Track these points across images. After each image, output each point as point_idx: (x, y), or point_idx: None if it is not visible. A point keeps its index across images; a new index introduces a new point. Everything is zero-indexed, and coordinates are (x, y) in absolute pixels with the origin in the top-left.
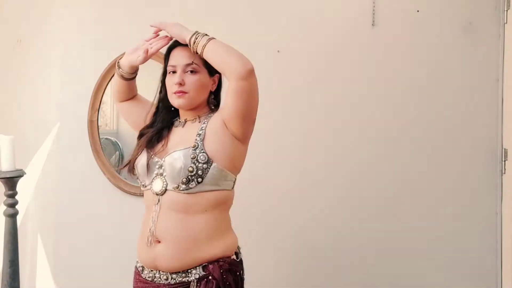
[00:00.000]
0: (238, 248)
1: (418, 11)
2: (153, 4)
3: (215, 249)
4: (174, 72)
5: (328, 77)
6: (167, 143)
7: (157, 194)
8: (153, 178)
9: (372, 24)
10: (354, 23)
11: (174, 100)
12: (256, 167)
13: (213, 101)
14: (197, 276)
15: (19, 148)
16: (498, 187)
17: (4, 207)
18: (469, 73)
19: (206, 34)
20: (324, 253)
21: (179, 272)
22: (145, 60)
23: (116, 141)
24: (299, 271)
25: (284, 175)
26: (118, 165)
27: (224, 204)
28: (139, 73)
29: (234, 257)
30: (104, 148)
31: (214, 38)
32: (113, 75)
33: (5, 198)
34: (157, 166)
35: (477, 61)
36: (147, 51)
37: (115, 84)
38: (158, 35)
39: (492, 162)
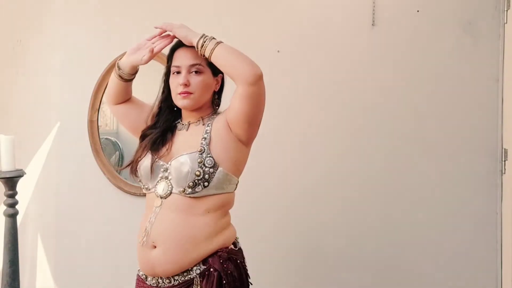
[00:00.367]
0: (236, 238)
1: (418, 11)
2: (153, 4)
3: (214, 245)
4: (178, 72)
5: (328, 77)
6: (171, 146)
7: (161, 197)
8: (158, 181)
9: (372, 24)
10: (354, 23)
11: (179, 101)
12: (256, 167)
13: (217, 101)
14: (198, 272)
15: (19, 148)
16: (498, 187)
17: (4, 207)
18: (469, 73)
19: (214, 38)
20: (325, 253)
21: (179, 274)
22: (150, 59)
23: (116, 141)
24: (301, 271)
25: (284, 175)
26: (118, 165)
27: (226, 206)
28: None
29: (232, 246)
30: (104, 148)
31: (222, 42)
32: None
33: (5, 198)
34: (161, 170)
35: (477, 61)
36: (152, 50)
37: (112, 87)
38: (162, 35)
39: (492, 162)
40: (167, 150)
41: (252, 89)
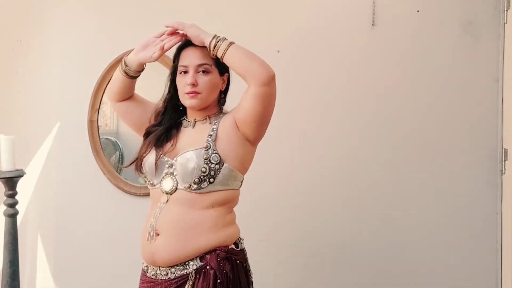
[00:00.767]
0: (240, 238)
1: (418, 11)
2: (153, 5)
3: (214, 240)
4: (185, 72)
5: (328, 77)
6: (176, 143)
7: (166, 193)
8: (163, 177)
9: (372, 24)
10: (354, 23)
11: (187, 101)
12: (256, 167)
13: (223, 100)
14: (194, 267)
15: (19, 148)
16: (498, 187)
17: (4, 207)
18: (469, 73)
19: (226, 38)
20: (325, 254)
21: (177, 265)
22: (159, 57)
23: (116, 141)
24: (303, 271)
25: (284, 175)
26: (118, 165)
27: (231, 202)
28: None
29: (233, 246)
30: (104, 148)
31: (234, 43)
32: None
33: (5, 198)
34: (166, 166)
35: (477, 61)
36: (162, 47)
37: (116, 83)
38: (173, 33)
39: (492, 162)
40: (172, 146)
41: (264, 89)
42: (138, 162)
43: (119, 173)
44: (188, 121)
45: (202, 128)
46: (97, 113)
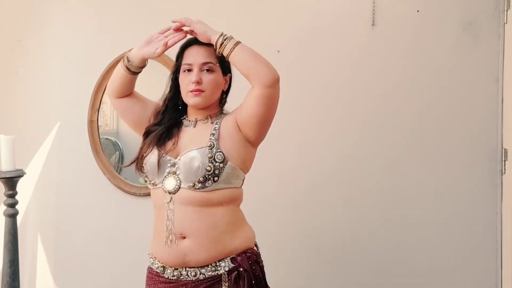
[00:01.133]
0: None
1: (418, 11)
2: (153, 5)
3: (238, 240)
4: (189, 70)
5: (328, 77)
6: (177, 141)
7: (169, 193)
8: (165, 177)
9: (372, 24)
10: (354, 23)
11: (190, 99)
12: (256, 167)
13: (224, 100)
14: (226, 269)
15: (19, 148)
16: (498, 187)
17: (4, 207)
18: (469, 73)
19: (233, 37)
20: (326, 253)
21: (208, 266)
22: (163, 52)
23: (116, 141)
24: (305, 271)
25: (284, 175)
26: (118, 165)
27: (236, 201)
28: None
29: (255, 248)
30: (104, 148)
31: (240, 42)
32: None
33: (5, 198)
34: (168, 165)
35: (477, 61)
36: (166, 43)
37: (117, 79)
38: (177, 30)
39: (492, 162)
40: (173, 145)
41: (268, 91)
42: (139, 162)
43: (119, 173)
44: (189, 121)
45: (204, 128)
46: (97, 113)
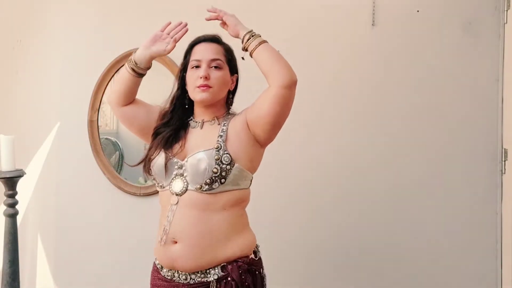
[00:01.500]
0: (257, 246)
1: (418, 11)
2: (153, 5)
3: (233, 249)
4: (197, 67)
5: (328, 77)
6: (184, 144)
7: (177, 195)
8: (172, 179)
9: (372, 24)
10: (354, 23)
11: (197, 94)
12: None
13: (231, 100)
14: (216, 277)
15: (19, 148)
16: (498, 187)
17: (4, 207)
18: (469, 73)
19: (260, 35)
20: (326, 253)
21: (198, 272)
22: (172, 49)
23: (116, 141)
24: (307, 270)
25: (284, 176)
26: (118, 165)
27: (242, 202)
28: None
29: (252, 256)
30: (104, 148)
31: (267, 41)
32: (112, 76)
33: (5, 198)
34: (176, 167)
35: (477, 61)
36: (175, 39)
37: (122, 84)
38: (179, 24)
39: (492, 162)
40: (180, 147)
41: (284, 91)
42: (146, 164)
43: (119, 173)
44: (196, 122)
45: (211, 129)
46: (97, 113)
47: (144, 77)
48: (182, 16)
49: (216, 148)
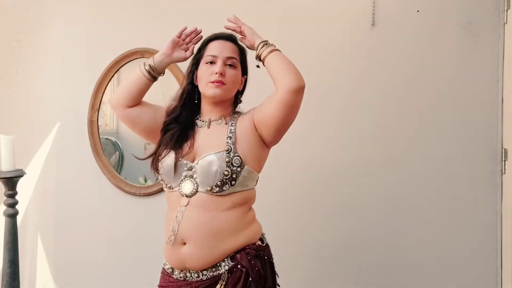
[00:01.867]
0: (263, 234)
1: (418, 11)
2: (153, 5)
3: (241, 240)
4: (212, 62)
5: (328, 77)
6: (193, 144)
7: (186, 196)
8: (182, 180)
9: (372, 24)
10: (354, 23)
11: (210, 89)
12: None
13: (240, 100)
14: (226, 268)
15: (19, 148)
16: (498, 187)
17: (4, 207)
18: (469, 73)
19: (274, 45)
20: (325, 252)
21: (208, 269)
22: (191, 55)
23: (116, 141)
24: (308, 269)
25: (284, 174)
26: (118, 165)
27: (250, 201)
28: None
29: (259, 242)
30: (104, 148)
31: (279, 50)
32: (112, 76)
33: (5, 198)
34: (185, 168)
35: (477, 61)
36: (193, 48)
37: (134, 87)
38: (195, 31)
39: (492, 162)
40: (189, 148)
41: (291, 96)
42: (155, 161)
43: (119, 173)
44: (203, 121)
45: (218, 129)
46: (97, 113)
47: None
48: (182, 16)
49: (227, 151)
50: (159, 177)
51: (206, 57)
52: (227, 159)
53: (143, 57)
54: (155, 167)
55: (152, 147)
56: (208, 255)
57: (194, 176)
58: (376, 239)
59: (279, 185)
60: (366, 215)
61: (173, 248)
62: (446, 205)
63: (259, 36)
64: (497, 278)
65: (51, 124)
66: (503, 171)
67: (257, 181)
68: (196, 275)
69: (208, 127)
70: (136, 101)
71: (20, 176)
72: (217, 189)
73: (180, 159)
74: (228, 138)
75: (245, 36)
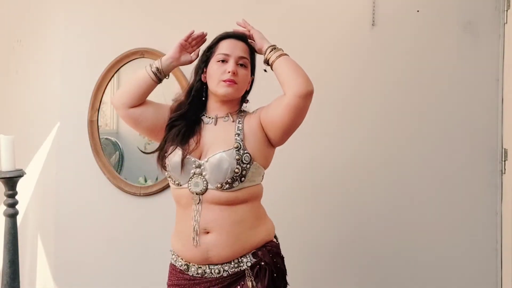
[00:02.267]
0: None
1: (418, 11)
2: (153, 5)
3: (260, 235)
4: (223, 61)
5: (328, 77)
6: (199, 140)
7: (197, 194)
8: (190, 178)
9: (372, 24)
10: (354, 23)
11: (221, 88)
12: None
13: (247, 100)
14: (249, 264)
15: (19, 148)
16: (498, 187)
17: (4, 207)
18: (469, 73)
19: (282, 49)
20: (326, 252)
21: (231, 263)
22: (196, 59)
23: (116, 141)
24: (308, 269)
25: (285, 174)
26: (118, 165)
27: (258, 196)
28: None
29: (274, 239)
30: (104, 148)
31: (287, 54)
32: (112, 76)
33: (5, 198)
34: (194, 166)
35: (477, 61)
36: (198, 52)
37: (139, 87)
38: (202, 35)
39: (492, 162)
40: (196, 144)
41: (299, 101)
42: (161, 158)
43: (119, 173)
44: (209, 118)
45: (225, 126)
46: (97, 113)
47: None
48: (182, 16)
49: (236, 148)
50: (166, 174)
51: (217, 55)
52: (237, 157)
53: (143, 57)
54: (162, 163)
55: (152, 146)
56: (232, 243)
57: (203, 173)
58: (376, 238)
59: (279, 185)
60: (366, 214)
61: (194, 241)
62: (446, 205)
63: (267, 40)
64: (497, 278)
65: (51, 124)
66: (503, 171)
67: (263, 176)
68: (217, 270)
69: (215, 124)
70: (140, 101)
71: (20, 176)
72: (227, 186)
73: (187, 155)
74: (236, 135)
75: (253, 40)
